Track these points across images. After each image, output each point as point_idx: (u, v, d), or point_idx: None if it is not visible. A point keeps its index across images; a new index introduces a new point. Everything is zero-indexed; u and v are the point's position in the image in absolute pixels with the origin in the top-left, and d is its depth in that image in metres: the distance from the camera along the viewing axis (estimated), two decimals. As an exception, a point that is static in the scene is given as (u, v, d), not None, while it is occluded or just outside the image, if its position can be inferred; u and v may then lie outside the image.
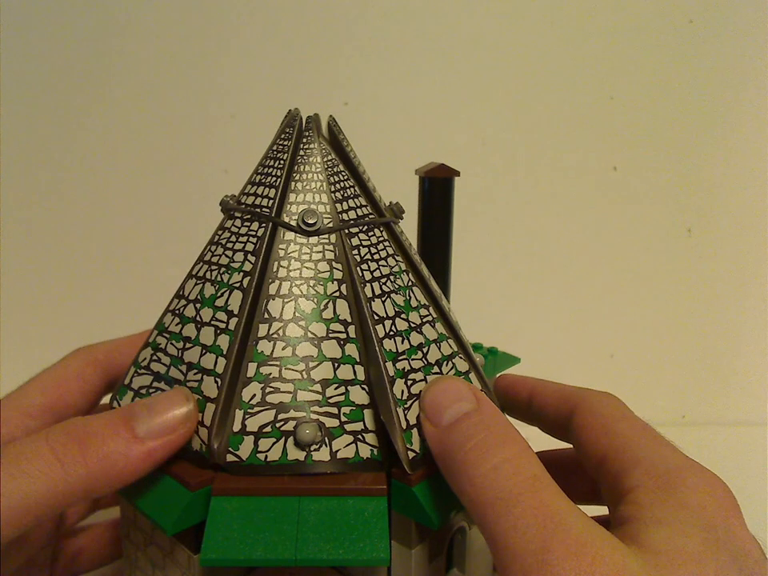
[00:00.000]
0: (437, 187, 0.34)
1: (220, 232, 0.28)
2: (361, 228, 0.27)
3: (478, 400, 0.23)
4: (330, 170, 0.28)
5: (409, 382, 0.25)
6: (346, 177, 0.28)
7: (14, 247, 0.59)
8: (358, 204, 0.28)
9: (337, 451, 0.23)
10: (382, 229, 0.28)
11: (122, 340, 0.32)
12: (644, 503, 0.21)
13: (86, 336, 0.55)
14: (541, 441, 0.28)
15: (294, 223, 0.26)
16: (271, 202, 0.27)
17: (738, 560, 0.19)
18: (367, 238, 0.27)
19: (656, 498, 0.21)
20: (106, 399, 0.31)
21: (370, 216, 0.28)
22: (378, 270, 0.27)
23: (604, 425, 0.25)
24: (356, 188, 0.28)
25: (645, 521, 0.20)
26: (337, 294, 0.25)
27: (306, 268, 0.25)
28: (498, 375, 0.33)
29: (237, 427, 0.23)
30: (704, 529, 0.19)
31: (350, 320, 0.25)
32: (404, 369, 0.25)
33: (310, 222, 0.26)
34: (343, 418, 0.23)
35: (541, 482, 0.20)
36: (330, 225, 0.26)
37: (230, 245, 0.27)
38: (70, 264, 0.59)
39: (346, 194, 0.28)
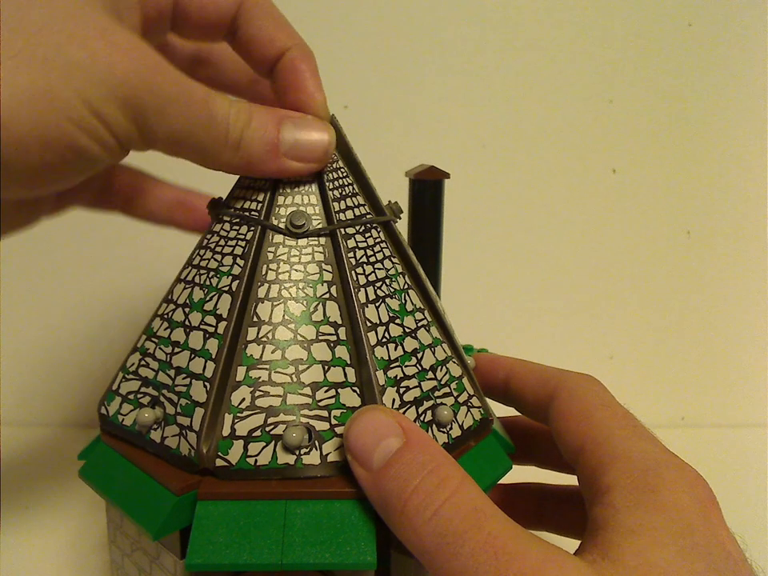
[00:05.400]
0: (427, 189, 0.33)
1: (209, 236, 0.28)
2: (357, 229, 0.27)
3: (405, 431, 0.21)
4: (327, 166, 0.27)
5: (401, 390, 0.24)
6: (344, 174, 0.28)
7: (8, 244, 0.59)
8: (356, 203, 0.27)
9: (327, 455, 0.23)
10: (379, 229, 0.28)
11: None
12: (619, 507, 0.20)
13: (74, 340, 0.55)
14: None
15: (282, 225, 0.26)
16: (260, 205, 0.26)
17: (717, 565, 0.18)
18: (363, 239, 0.27)
19: (632, 500, 0.20)
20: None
21: (368, 216, 0.27)
22: (373, 274, 0.26)
23: (583, 412, 0.24)
24: (354, 186, 0.28)
25: (618, 529, 0.19)
26: (326, 296, 0.25)
27: (295, 270, 0.25)
28: (476, 353, 0.32)
29: (226, 431, 0.23)
30: (680, 535, 0.19)
31: (340, 322, 0.25)
32: (396, 376, 0.24)
33: (298, 223, 0.25)
34: (333, 421, 0.23)
35: (484, 514, 0.19)
36: (319, 226, 0.26)
37: (218, 248, 0.26)
38: (62, 268, 0.59)
39: (344, 192, 0.27)
